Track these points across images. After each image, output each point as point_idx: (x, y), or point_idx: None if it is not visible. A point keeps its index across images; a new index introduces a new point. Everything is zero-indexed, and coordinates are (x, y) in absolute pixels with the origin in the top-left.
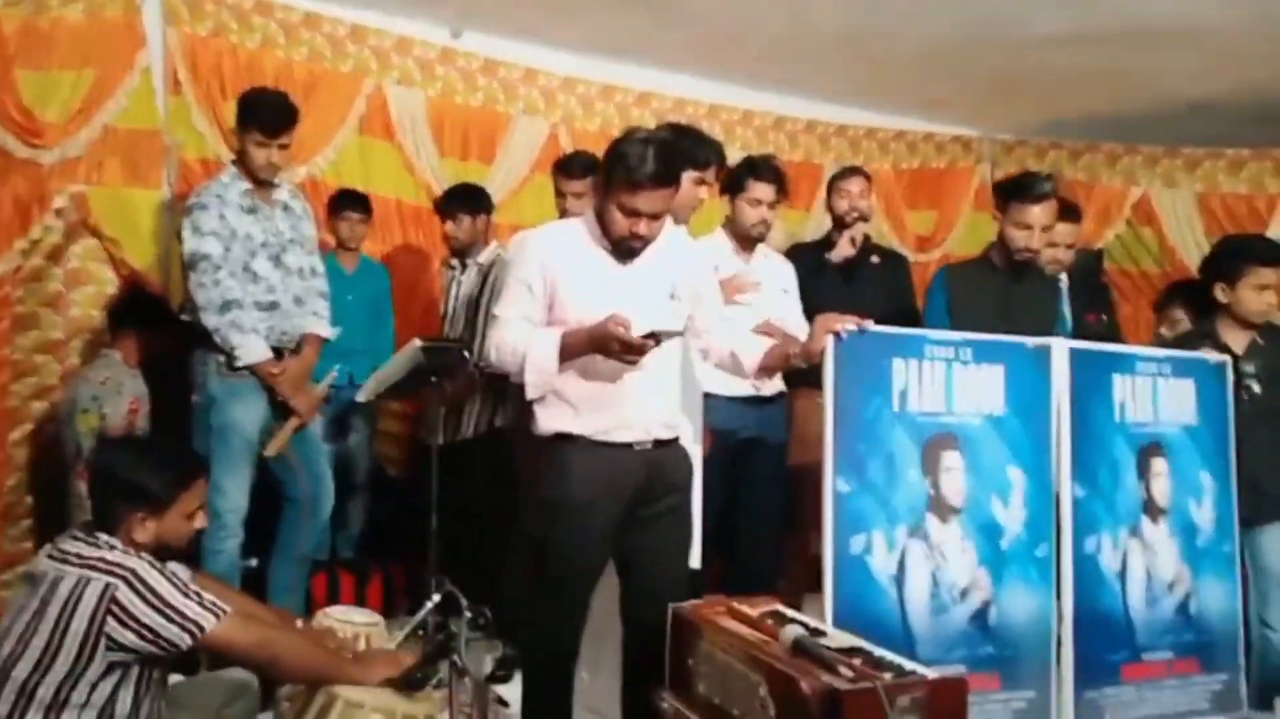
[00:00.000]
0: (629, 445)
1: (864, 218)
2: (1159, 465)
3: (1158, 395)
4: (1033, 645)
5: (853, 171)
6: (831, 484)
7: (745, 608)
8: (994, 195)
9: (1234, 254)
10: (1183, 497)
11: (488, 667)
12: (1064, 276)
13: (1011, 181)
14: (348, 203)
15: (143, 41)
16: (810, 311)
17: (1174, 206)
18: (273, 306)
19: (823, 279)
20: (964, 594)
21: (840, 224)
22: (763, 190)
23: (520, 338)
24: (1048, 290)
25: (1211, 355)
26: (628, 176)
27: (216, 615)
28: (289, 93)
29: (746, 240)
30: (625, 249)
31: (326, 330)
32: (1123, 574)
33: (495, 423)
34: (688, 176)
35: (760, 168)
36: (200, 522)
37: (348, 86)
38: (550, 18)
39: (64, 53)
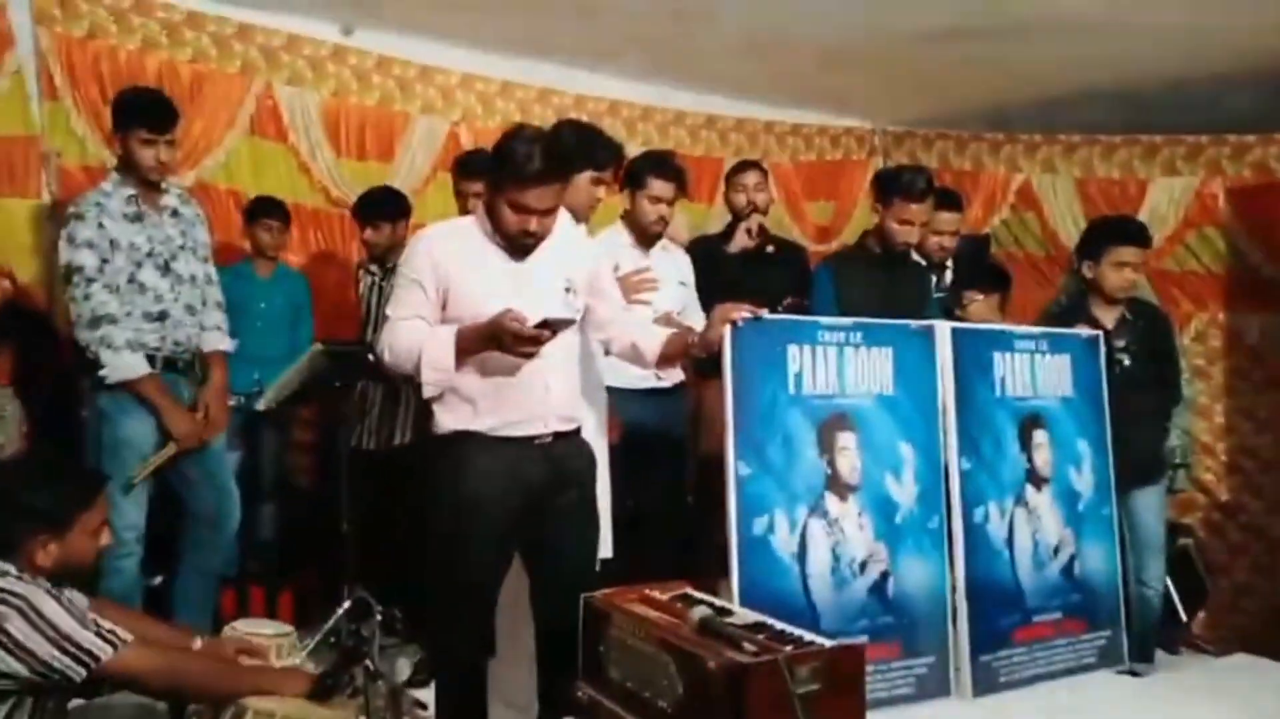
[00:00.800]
0: (530, 439)
1: (761, 210)
2: (1040, 436)
3: (1036, 370)
4: (929, 614)
5: (748, 165)
6: (733, 468)
7: (656, 593)
8: (874, 189)
9: (1095, 234)
10: (1063, 465)
11: (405, 671)
12: (949, 262)
13: (891, 178)
14: (266, 210)
15: (10, 42)
16: (711, 303)
17: (1054, 191)
18: (162, 317)
19: (722, 271)
20: (863, 568)
21: (738, 217)
22: (662, 188)
23: (414, 337)
24: (919, 275)
25: (1084, 331)
26: (515, 173)
27: (114, 645)
28: (173, 94)
29: (645, 235)
30: (518, 245)
31: (226, 343)
32: (1010, 541)
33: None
34: (585, 176)
35: (661, 165)
36: (105, 538)
37: (235, 87)
38: (445, 14)
39: None
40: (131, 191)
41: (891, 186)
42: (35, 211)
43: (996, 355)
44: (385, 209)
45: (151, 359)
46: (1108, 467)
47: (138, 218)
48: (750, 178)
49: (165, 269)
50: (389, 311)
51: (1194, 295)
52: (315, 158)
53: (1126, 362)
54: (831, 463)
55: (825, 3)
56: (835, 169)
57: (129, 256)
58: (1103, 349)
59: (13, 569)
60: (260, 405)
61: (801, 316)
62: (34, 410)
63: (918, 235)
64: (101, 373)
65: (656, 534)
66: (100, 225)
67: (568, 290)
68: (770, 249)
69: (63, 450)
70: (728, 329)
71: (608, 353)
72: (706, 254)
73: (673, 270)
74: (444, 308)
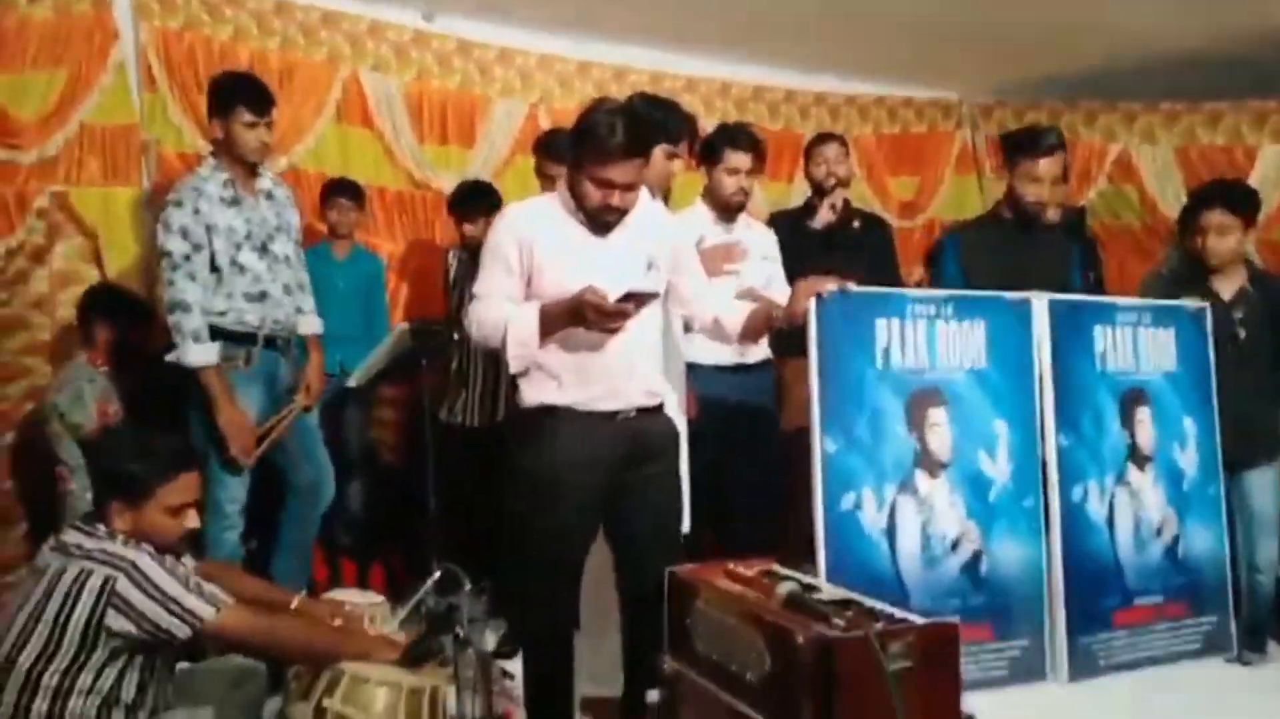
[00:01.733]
0: (613, 414)
1: (842, 183)
2: (1142, 413)
3: (1138, 344)
4: (1024, 595)
5: (829, 137)
6: (820, 444)
7: (740, 568)
8: (1001, 151)
9: (1196, 200)
10: (1167, 442)
11: (491, 642)
12: None
13: (1020, 135)
14: (339, 190)
15: (115, 37)
16: (793, 279)
17: (1153, 161)
18: (262, 297)
19: (804, 246)
20: (954, 546)
21: (819, 191)
22: (739, 159)
23: (500, 313)
24: (1057, 242)
25: (1190, 303)
26: (597, 148)
27: (216, 607)
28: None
29: (726, 210)
30: (600, 221)
31: (318, 325)
32: (1110, 521)
33: None
34: (660, 150)
35: (736, 136)
36: (192, 521)
37: (323, 74)
38: None
39: (36, 53)
40: (228, 175)
41: (1021, 143)
42: (135, 198)
43: (1097, 328)
44: (480, 203)
45: (253, 337)
46: (1215, 445)
47: (235, 201)
48: (831, 150)
49: (263, 250)
50: (475, 289)
51: None
52: (399, 142)
53: (1242, 334)
54: (921, 439)
55: None
56: (920, 142)
57: (228, 239)
58: (1210, 321)
59: (118, 534)
60: (351, 382)
61: (889, 289)
62: (125, 392)
63: (1050, 194)
64: (170, 356)
65: (738, 510)
66: (196, 211)
67: (650, 266)
68: (855, 224)
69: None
70: (813, 302)
71: (688, 329)
72: (788, 229)
73: (757, 245)
74: (528, 284)
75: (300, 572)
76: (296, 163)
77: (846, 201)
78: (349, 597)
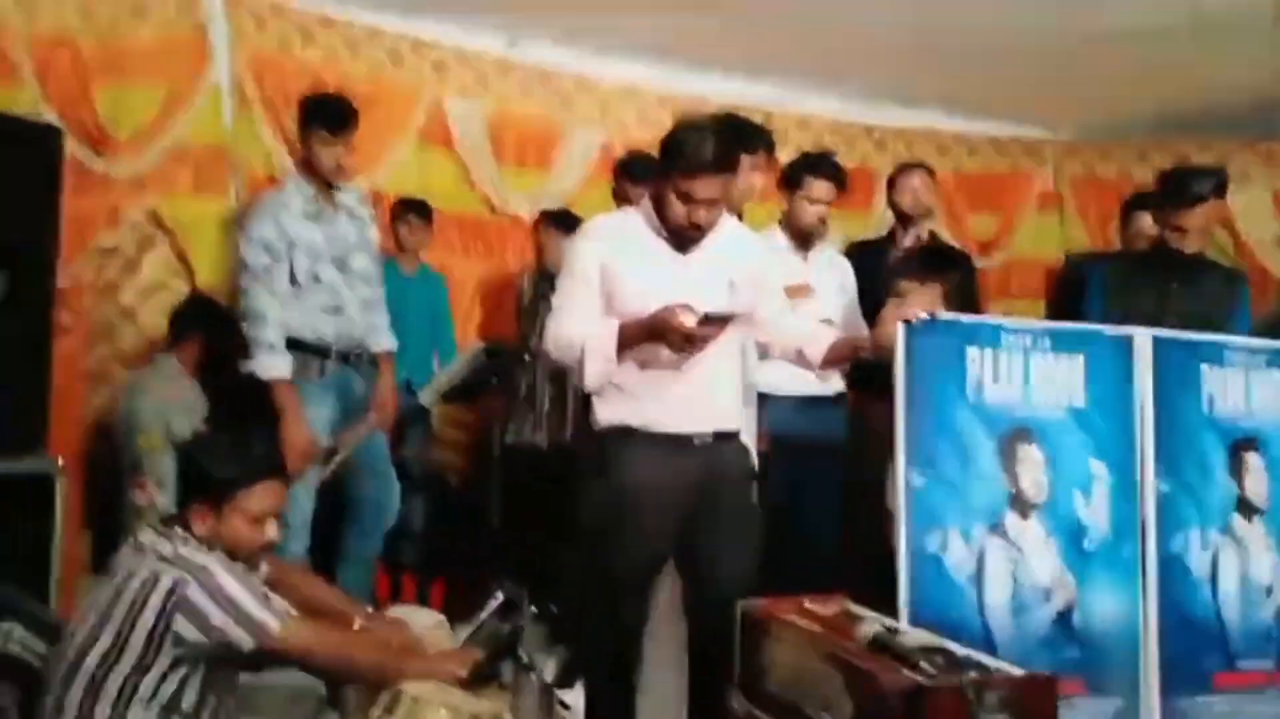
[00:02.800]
0: (689, 438)
1: (928, 214)
2: (1254, 460)
3: (1251, 387)
4: (1119, 649)
5: (914, 167)
6: (905, 478)
7: (815, 606)
8: (1157, 188)
9: None
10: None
11: (552, 670)
12: None
13: (1173, 179)
14: (409, 207)
15: (210, 57)
16: (872, 312)
17: (1248, 203)
18: (338, 311)
19: (886, 277)
20: (1047, 595)
21: (904, 220)
22: (821, 189)
23: (577, 329)
24: (1222, 283)
25: None
26: (686, 163)
27: (281, 620)
28: None
29: (803, 238)
30: (684, 238)
31: (392, 343)
32: (1213, 575)
33: None
34: (745, 162)
35: (819, 165)
36: (272, 532)
37: (407, 98)
38: (605, 20)
39: (136, 70)
40: (311, 191)
41: (1168, 187)
42: (224, 213)
43: (1205, 368)
44: (566, 226)
45: (327, 351)
46: None
47: (316, 216)
48: (917, 179)
49: (342, 266)
50: (554, 302)
51: None
52: (478, 167)
53: None
54: (1013, 478)
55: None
56: (1000, 180)
57: (309, 254)
58: None
59: (193, 539)
60: (425, 400)
61: (982, 317)
62: (214, 402)
63: (1196, 244)
64: (245, 367)
65: (808, 545)
66: (278, 224)
67: (731, 286)
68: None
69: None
70: (901, 328)
71: (763, 356)
72: (870, 259)
73: (833, 276)
74: (609, 300)
75: (363, 586)
76: (378, 184)
77: (932, 233)
78: (410, 614)
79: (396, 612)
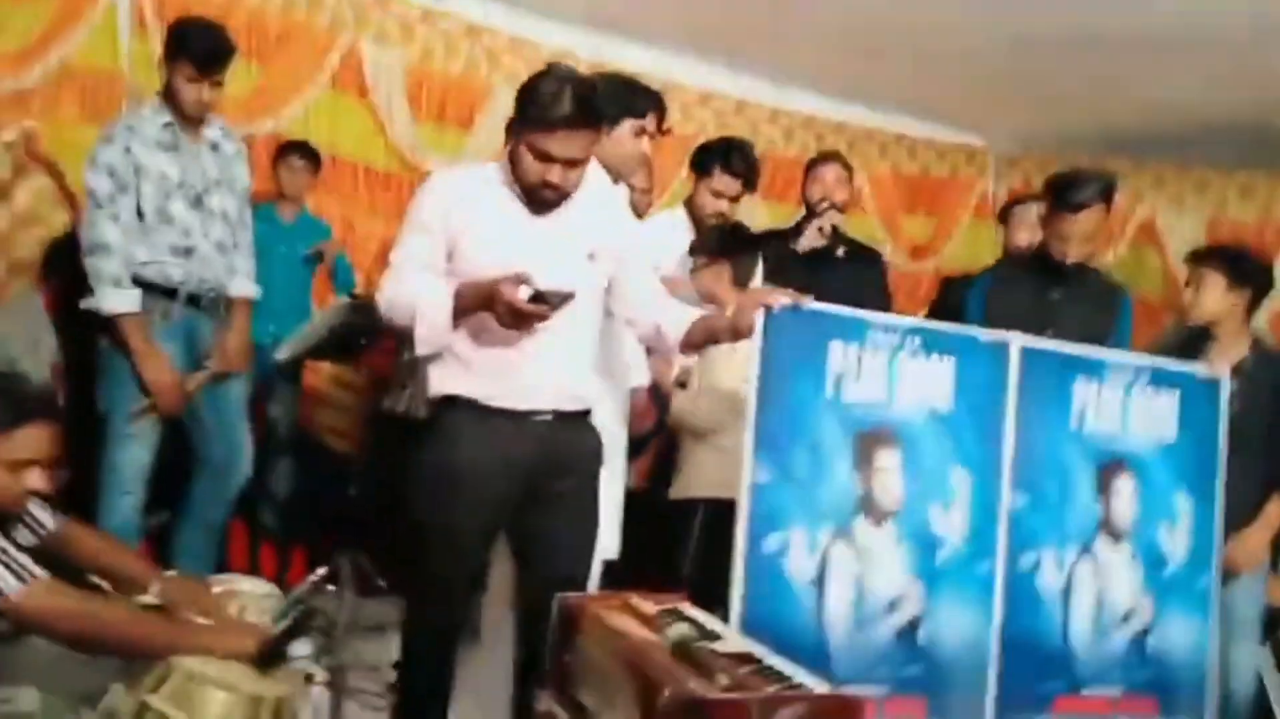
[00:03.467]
0: (527, 414)
1: (838, 208)
2: (1123, 483)
3: (1129, 406)
4: (966, 670)
5: (829, 157)
6: (749, 474)
7: (645, 604)
8: (1044, 193)
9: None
10: (1151, 520)
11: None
12: None
13: (1060, 181)
14: (291, 149)
15: None
16: None
17: (1180, 229)
18: (189, 252)
19: (788, 269)
20: (892, 608)
21: (812, 213)
22: (726, 183)
23: (411, 289)
24: (1107, 295)
25: (1203, 368)
26: (540, 115)
27: (22, 579)
28: (258, 44)
29: (703, 227)
30: (539, 199)
31: (252, 289)
32: (1066, 597)
33: None
34: (626, 126)
35: (730, 157)
36: (34, 481)
37: (322, 40)
38: None
39: None
40: (168, 119)
41: (1056, 191)
42: None
43: (1080, 381)
44: None
45: (174, 293)
46: (1213, 531)
47: (172, 147)
48: (830, 171)
49: (197, 203)
50: (391, 256)
51: None
52: (393, 119)
53: (1232, 417)
54: (867, 482)
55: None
56: (939, 185)
57: (158, 186)
58: (1224, 393)
59: None
60: (280, 355)
61: (849, 309)
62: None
63: (1081, 252)
64: (86, 303)
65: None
66: (128, 150)
67: (590, 257)
68: (840, 252)
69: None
70: (760, 314)
71: (631, 330)
72: (773, 250)
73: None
74: (452, 260)
75: (207, 551)
76: (283, 129)
77: (837, 228)
78: (237, 583)
79: (220, 578)
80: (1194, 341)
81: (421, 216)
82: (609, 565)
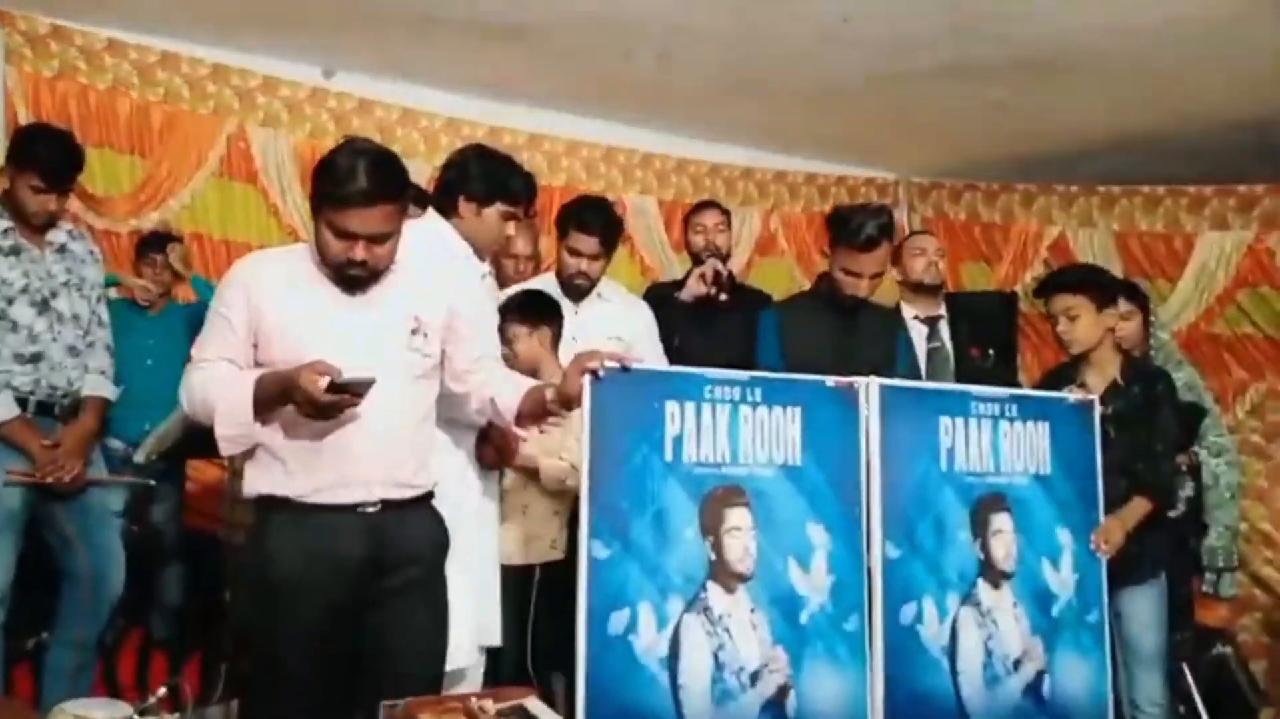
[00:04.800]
0: (350, 508)
1: (720, 254)
2: (1000, 521)
3: (999, 440)
4: None
5: (707, 205)
6: (586, 549)
7: (487, 703)
8: (827, 230)
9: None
10: (1033, 558)
11: None
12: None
13: (842, 216)
14: (152, 244)
15: None
16: (672, 356)
17: (1091, 246)
18: (36, 359)
19: (675, 320)
20: (754, 678)
21: (697, 261)
22: (584, 242)
23: (212, 383)
24: (886, 324)
25: (1074, 394)
26: (337, 192)
27: None
28: (142, 136)
29: (570, 288)
30: (347, 278)
31: (108, 389)
32: (952, 649)
33: None
34: (495, 209)
35: (584, 216)
36: None
37: (207, 128)
38: (426, 55)
39: None
40: (8, 224)
41: (838, 227)
42: None
43: (944, 421)
44: None
45: (24, 403)
46: (1098, 562)
47: (14, 251)
48: (709, 218)
49: (43, 307)
50: (193, 352)
51: (1249, 362)
52: (285, 200)
53: (1111, 434)
54: (717, 545)
55: (816, 42)
56: None
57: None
58: (1097, 417)
59: None
60: (138, 457)
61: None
62: None
63: (866, 289)
64: None
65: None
66: None
67: (415, 332)
68: (723, 297)
69: None
70: (586, 380)
71: (469, 405)
72: (656, 302)
73: (604, 324)
74: (257, 347)
75: (79, 671)
76: (170, 218)
77: (720, 274)
78: (86, 709)
79: (69, 707)
80: (1071, 365)
81: (222, 305)
82: (495, 653)
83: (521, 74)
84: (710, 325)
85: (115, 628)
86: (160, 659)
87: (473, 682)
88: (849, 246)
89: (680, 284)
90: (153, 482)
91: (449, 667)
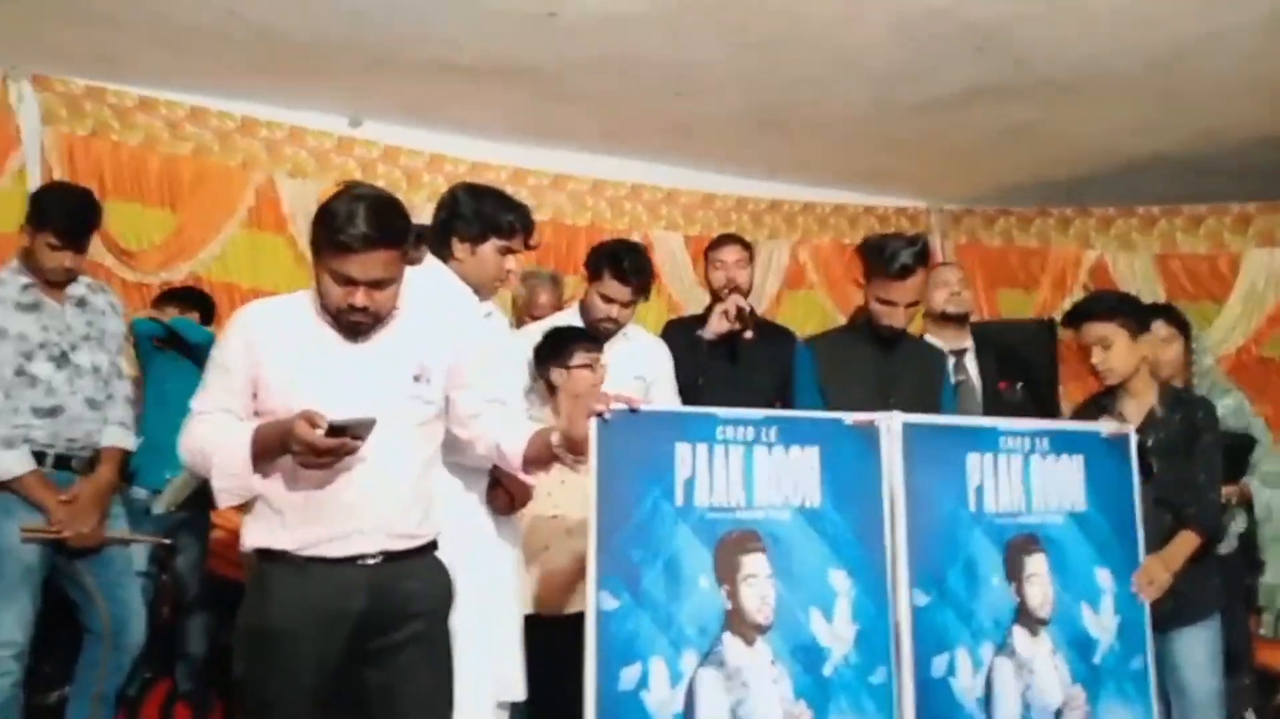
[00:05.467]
0: (350, 560)
1: (742, 290)
2: (1035, 564)
3: (1030, 477)
4: None
5: (727, 240)
6: (595, 601)
7: None
8: (861, 260)
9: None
10: (1071, 602)
11: None
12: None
13: (874, 246)
14: (169, 298)
15: (17, 143)
16: (689, 395)
17: (1132, 269)
18: (55, 412)
19: (699, 358)
20: None
21: (716, 298)
22: (616, 289)
23: (209, 434)
24: (928, 357)
25: (1107, 426)
26: (336, 238)
27: None
28: (172, 189)
29: (598, 330)
30: (348, 324)
31: (128, 441)
32: (988, 702)
33: None
34: (490, 245)
35: (620, 263)
36: None
37: (236, 179)
38: (453, 101)
39: None
40: (28, 281)
41: (872, 258)
42: None
43: (972, 458)
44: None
45: (41, 457)
46: (1141, 605)
47: (33, 307)
48: (730, 254)
49: (62, 361)
50: (191, 403)
51: None
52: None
53: (1154, 467)
54: (733, 595)
55: (835, 72)
56: None
57: (16, 347)
58: (1134, 450)
59: None
60: (157, 508)
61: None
62: None
63: (904, 318)
64: None
65: None
66: None
67: (418, 379)
68: (747, 334)
69: None
70: (593, 424)
71: (475, 451)
72: (678, 339)
73: (627, 364)
74: (256, 397)
75: None
76: (199, 270)
77: (742, 310)
78: None
79: None
80: (1108, 396)
81: (222, 355)
82: (518, 709)
83: (542, 115)
84: (735, 362)
85: (140, 680)
86: (184, 711)
87: None
88: (884, 276)
89: (701, 320)
90: (169, 541)
91: None
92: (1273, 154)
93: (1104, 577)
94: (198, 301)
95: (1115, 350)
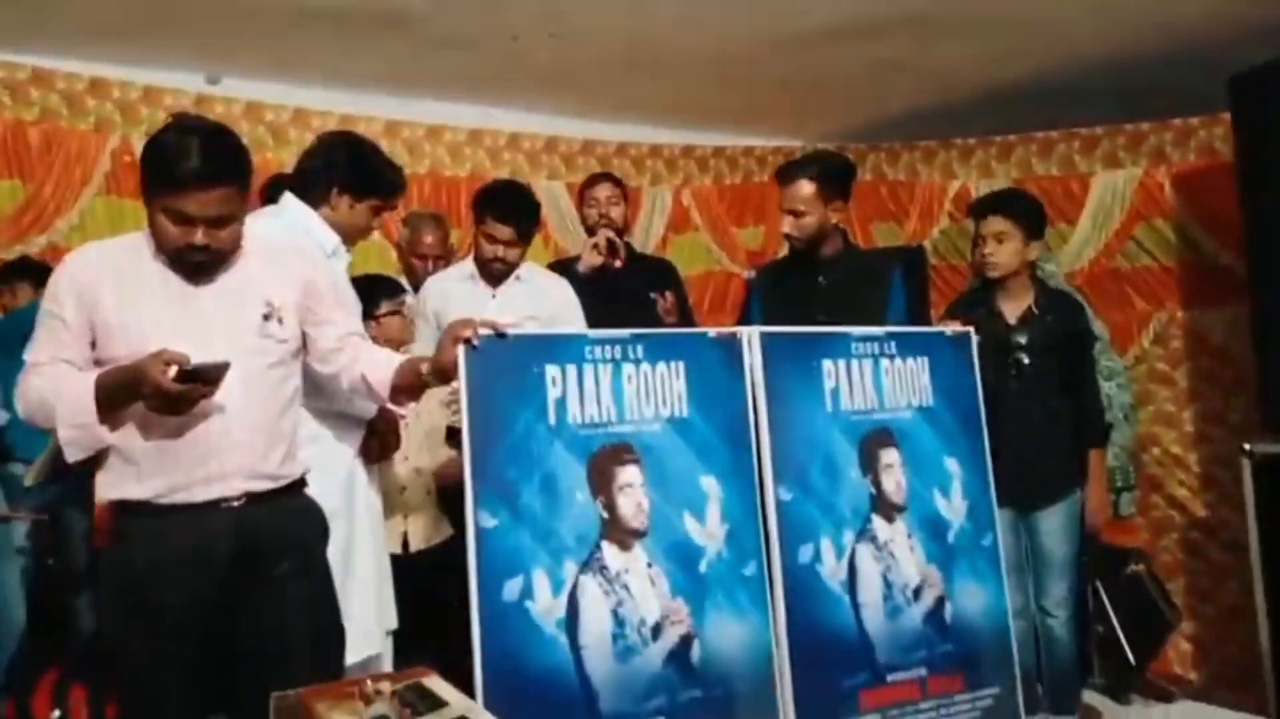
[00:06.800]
0: (213, 504)
1: (614, 225)
2: (889, 456)
3: (881, 377)
4: (750, 681)
5: (599, 178)
6: (474, 520)
7: (383, 684)
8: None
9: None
10: (923, 489)
11: None
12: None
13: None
14: (14, 272)
15: None
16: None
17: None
18: None
19: (583, 294)
20: (655, 632)
21: (591, 235)
22: (498, 229)
23: (49, 385)
24: (872, 269)
25: (950, 328)
26: (169, 175)
27: None
28: (20, 157)
29: (487, 272)
30: (189, 265)
31: None
32: (852, 584)
33: None
34: (369, 203)
35: (500, 203)
36: None
37: (89, 144)
38: (316, 55)
39: None
40: None
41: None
42: None
43: (827, 363)
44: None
45: None
46: (986, 488)
47: None
48: (602, 190)
49: None
50: (25, 355)
51: (1149, 293)
52: None
53: (1026, 361)
54: (609, 503)
55: (699, 11)
56: (763, 191)
57: None
58: (974, 347)
59: None
60: (27, 482)
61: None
62: None
63: (795, 227)
64: None
65: None
66: None
67: (268, 318)
68: (617, 264)
69: None
70: (461, 350)
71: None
72: (567, 277)
73: (522, 303)
74: (95, 345)
75: None
76: (59, 240)
77: (614, 244)
78: None
79: None
80: (983, 294)
81: (53, 304)
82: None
83: (412, 65)
84: (603, 293)
85: (30, 664)
86: (80, 692)
87: (385, 668)
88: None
89: (576, 259)
90: (45, 517)
91: (357, 656)
92: (1118, 78)
93: (952, 464)
94: (36, 271)
95: (1006, 247)
